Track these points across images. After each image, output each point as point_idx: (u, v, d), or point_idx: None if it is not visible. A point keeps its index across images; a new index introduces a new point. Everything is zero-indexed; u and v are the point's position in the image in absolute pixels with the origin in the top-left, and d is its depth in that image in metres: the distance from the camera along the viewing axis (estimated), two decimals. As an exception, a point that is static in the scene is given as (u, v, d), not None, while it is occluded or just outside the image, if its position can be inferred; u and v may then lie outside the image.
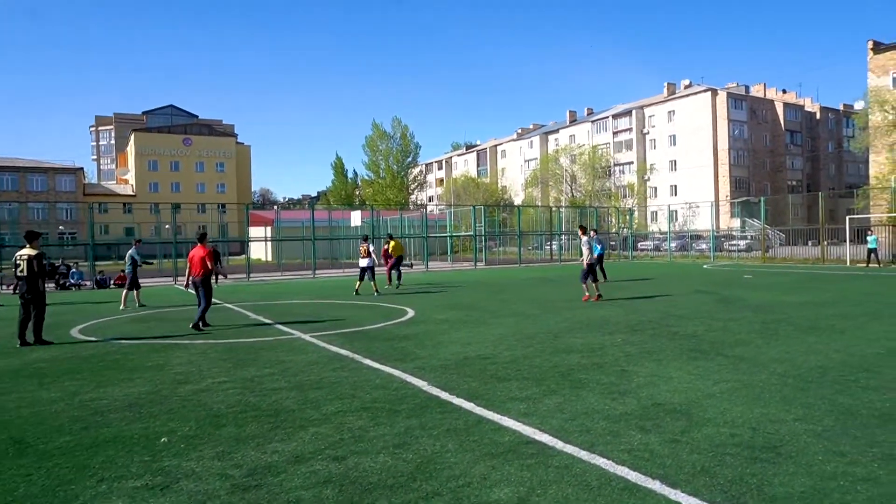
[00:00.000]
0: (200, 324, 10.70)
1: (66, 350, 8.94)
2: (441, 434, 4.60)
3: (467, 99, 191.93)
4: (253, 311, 13.51)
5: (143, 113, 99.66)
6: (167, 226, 47.57)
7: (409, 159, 77.36)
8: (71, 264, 25.69)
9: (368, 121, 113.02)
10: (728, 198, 60.06)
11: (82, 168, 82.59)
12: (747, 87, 71.85)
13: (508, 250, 45.93)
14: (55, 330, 11.21)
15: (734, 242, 37.94)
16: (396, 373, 6.73)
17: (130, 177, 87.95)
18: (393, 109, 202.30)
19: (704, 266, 28.69)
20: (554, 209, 45.47)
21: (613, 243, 42.35)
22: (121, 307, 14.90)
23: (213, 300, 12.33)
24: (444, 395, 5.71)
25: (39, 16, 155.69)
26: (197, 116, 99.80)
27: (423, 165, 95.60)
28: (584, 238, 14.16)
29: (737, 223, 47.20)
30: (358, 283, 17.34)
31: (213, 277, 10.93)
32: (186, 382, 6.53)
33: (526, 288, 18.27)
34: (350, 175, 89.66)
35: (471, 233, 37.29)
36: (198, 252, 11.14)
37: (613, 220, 46.19)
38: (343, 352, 8.10)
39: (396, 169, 75.56)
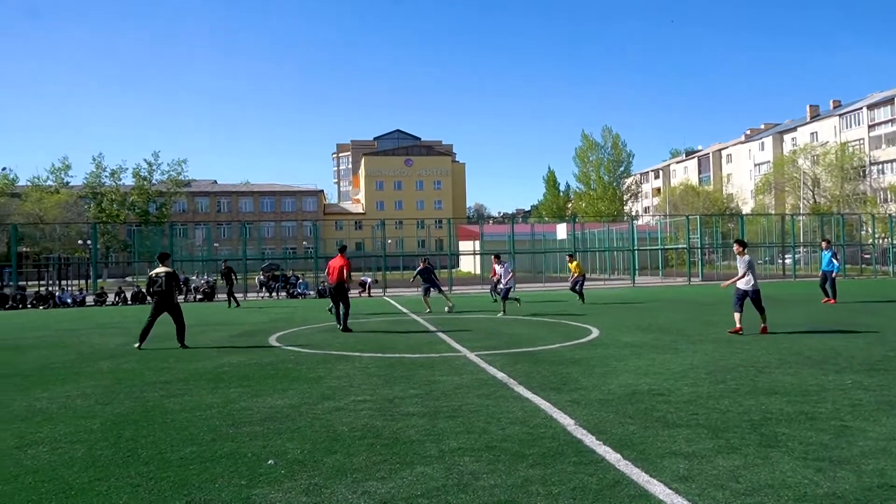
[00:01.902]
0: (347, 326, 12.12)
1: (254, 356, 9.59)
2: (563, 494, 3.69)
3: (687, 101, 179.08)
4: (435, 325, 13.48)
5: (374, 138, 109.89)
6: (390, 241, 51.45)
7: (622, 169, 74.17)
8: (299, 275, 28.79)
9: (580, 131, 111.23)
10: None
11: (322, 190, 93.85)
12: None
13: (732, 264, 41.15)
14: (258, 336, 12.29)
15: None
16: (544, 405, 5.87)
17: (361, 196, 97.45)
18: (605, 118, 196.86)
19: None
20: (789, 217, 39.64)
21: (867, 256, 35.51)
22: (426, 310, 16.51)
23: (405, 311, 12.79)
24: (589, 440, 4.73)
25: (301, 63, 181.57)
26: (419, 139, 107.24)
27: (638, 175, 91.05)
28: (746, 258, 10.92)
29: None
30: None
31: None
32: (330, 398, 6.41)
33: (742, 308, 15.81)
34: (562, 188, 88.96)
35: (684, 245, 34.04)
36: (336, 262, 12.19)
37: (869, 228, 38.77)
38: (499, 375, 7.43)
39: (608, 180, 72.92)
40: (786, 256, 37.30)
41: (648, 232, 45.92)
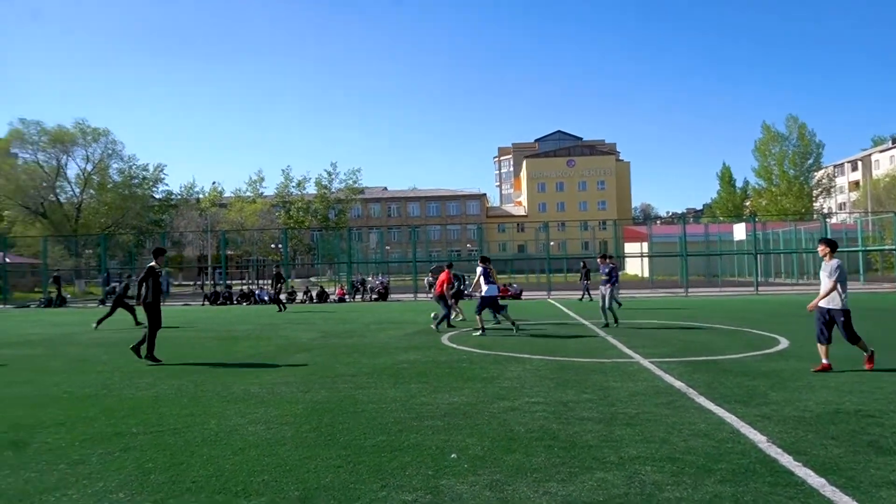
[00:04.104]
0: (439, 325, 13.81)
1: (430, 354, 10.11)
2: (758, 514, 3.48)
3: (892, 80, 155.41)
4: (604, 330, 13.19)
5: (535, 140, 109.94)
6: (552, 243, 51.18)
7: (810, 162, 66.68)
8: (465, 277, 29.67)
9: (759, 123, 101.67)
10: None
11: (485, 194, 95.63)
12: None
13: (958, 269, 35.17)
14: (431, 335, 12.90)
15: None
16: (731, 419, 5.52)
17: (523, 199, 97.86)
18: (788, 106, 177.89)
19: None
20: None
21: None
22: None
23: (571, 314, 12.64)
24: (785, 460, 4.38)
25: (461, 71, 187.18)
26: (581, 139, 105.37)
27: (830, 167, 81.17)
28: (834, 262, 7.80)
29: None
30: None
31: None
32: (504, 398, 6.59)
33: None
34: (739, 184, 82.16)
35: (892, 245, 29.74)
36: (442, 276, 14.57)
37: None
38: (677, 384, 7.11)
39: (793, 174, 65.95)
40: None
41: (845, 231, 40.76)
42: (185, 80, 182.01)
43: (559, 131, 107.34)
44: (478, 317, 13.00)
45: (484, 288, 13.02)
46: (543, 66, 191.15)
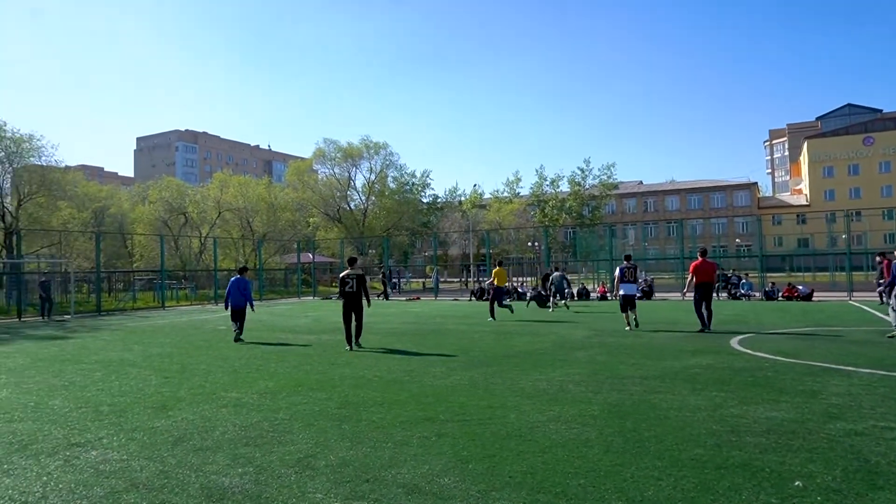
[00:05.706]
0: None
1: (722, 359, 9.14)
2: None
3: None
4: (949, 341, 10.60)
5: (817, 118, 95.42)
6: (843, 236, 43.68)
7: None
8: (742, 276, 26.73)
9: None
10: None
11: (756, 183, 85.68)
12: None
13: None
14: (712, 337, 11.72)
15: None
16: None
17: (804, 186, 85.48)
18: None
19: None
20: None
21: None
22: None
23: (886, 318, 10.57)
24: None
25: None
26: (881, 111, 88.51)
27: None
28: None
29: None
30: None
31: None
32: (838, 419, 5.54)
33: None
34: None
35: None
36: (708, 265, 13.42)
37: None
38: None
39: None
40: None
41: None
42: (446, 90, 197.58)
43: (848, 105, 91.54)
44: (624, 315, 13.87)
45: (620, 289, 13.93)
46: (820, 32, 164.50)
